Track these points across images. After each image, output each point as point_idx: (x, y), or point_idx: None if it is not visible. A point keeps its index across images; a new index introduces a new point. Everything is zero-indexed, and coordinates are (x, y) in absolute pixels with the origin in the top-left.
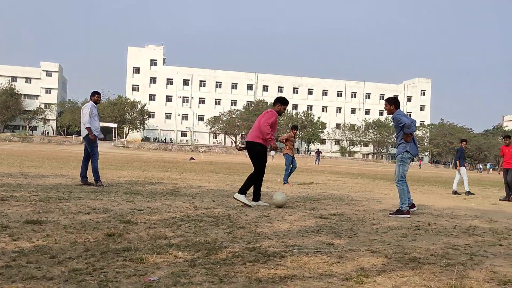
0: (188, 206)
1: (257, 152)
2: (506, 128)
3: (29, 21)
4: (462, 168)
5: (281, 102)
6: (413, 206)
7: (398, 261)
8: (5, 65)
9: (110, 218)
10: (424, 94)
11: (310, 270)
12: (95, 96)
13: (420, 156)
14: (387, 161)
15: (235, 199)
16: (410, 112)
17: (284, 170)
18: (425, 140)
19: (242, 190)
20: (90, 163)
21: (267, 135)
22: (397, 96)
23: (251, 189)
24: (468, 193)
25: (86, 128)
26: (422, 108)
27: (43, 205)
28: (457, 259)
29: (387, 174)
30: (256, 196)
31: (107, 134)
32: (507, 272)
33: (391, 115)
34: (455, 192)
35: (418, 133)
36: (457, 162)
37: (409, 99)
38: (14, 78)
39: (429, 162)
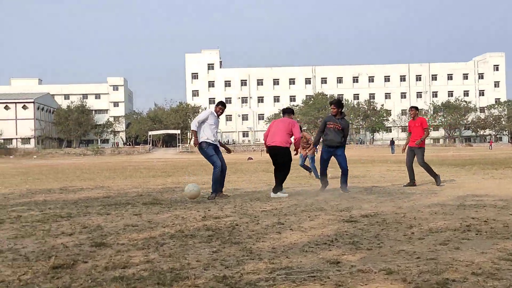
0: (197, 217)
1: (287, 156)
2: None
3: (93, 42)
4: None
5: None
6: None
7: (420, 287)
8: (77, 84)
9: (87, 241)
10: (497, 70)
11: None
12: (218, 107)
13: (491, 135)
14: (461, 144)
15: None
16: (484, 90)
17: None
18: (502, 119)
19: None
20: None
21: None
22: (467, 74)
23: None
24: None
25: (191, 130)
26: (496, 84)
27: (36, 226)
28: (511, 280)
29: (454, 159)
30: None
31: (172, 141)
32: None
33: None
34: None
35: (494, 112)
36: None
37: (480, 76)
38: (85, 96)
39: (509, 141)
